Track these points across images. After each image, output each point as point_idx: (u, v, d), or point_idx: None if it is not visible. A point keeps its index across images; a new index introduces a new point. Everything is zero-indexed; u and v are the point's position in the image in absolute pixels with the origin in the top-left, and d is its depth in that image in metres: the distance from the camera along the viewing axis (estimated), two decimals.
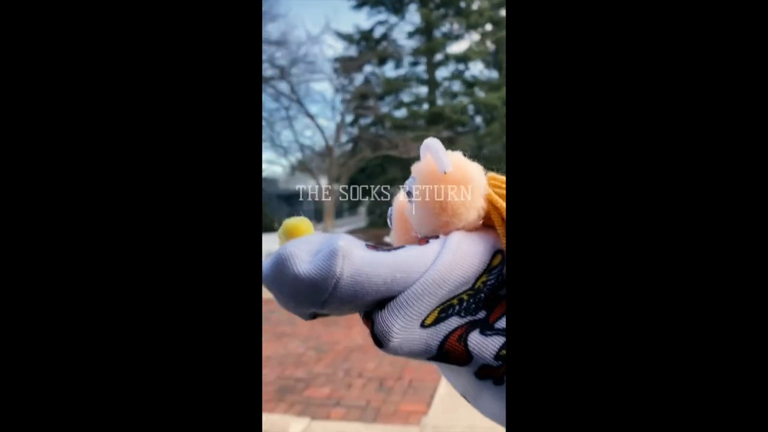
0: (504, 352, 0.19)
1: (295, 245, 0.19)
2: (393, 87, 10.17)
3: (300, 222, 0.21)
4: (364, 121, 10.13)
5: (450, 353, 0.19)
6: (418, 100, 10.43)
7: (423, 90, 10.51)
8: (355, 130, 10.03)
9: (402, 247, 0.19)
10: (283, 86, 8.63)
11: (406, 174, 0.21)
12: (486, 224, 0.20)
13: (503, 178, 0.21)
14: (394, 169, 8.83)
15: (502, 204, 0.19)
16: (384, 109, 10.12)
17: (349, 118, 9.84)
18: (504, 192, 0.20)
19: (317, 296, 0.17)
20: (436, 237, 0.19)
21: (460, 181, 0.19)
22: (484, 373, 0.19)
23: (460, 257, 0.18)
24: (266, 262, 0.20)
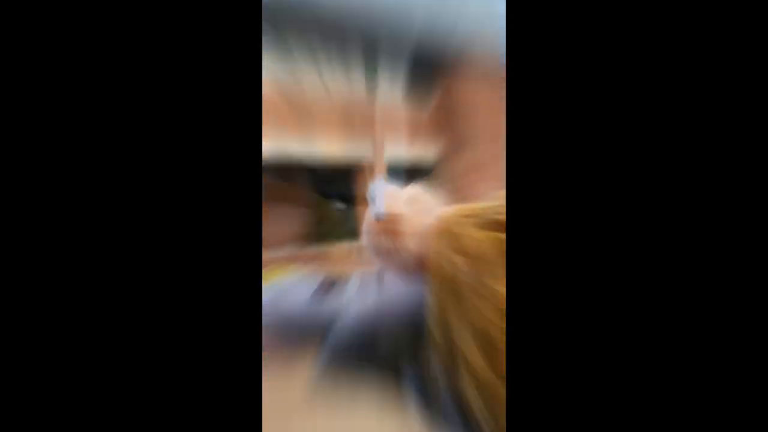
0: None
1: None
2: None
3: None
4: None
5: None
6: None
7: None
8: None
9: None
10: None
11: None
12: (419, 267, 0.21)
13: (472, 206, 0.22)
14: None
15: (448, 244, 0.20)
16: None
17: None
18: (466, 221, 0.21)
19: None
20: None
21: (389, 230, 0.20)
22: None
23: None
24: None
